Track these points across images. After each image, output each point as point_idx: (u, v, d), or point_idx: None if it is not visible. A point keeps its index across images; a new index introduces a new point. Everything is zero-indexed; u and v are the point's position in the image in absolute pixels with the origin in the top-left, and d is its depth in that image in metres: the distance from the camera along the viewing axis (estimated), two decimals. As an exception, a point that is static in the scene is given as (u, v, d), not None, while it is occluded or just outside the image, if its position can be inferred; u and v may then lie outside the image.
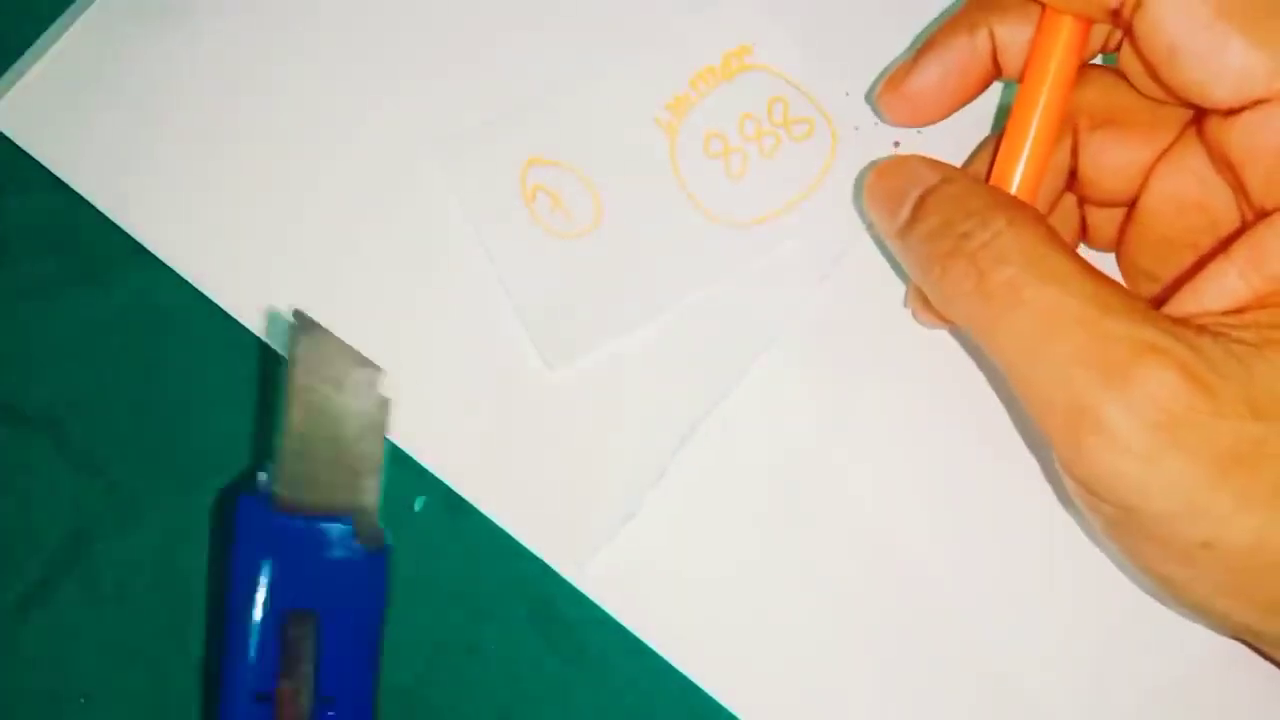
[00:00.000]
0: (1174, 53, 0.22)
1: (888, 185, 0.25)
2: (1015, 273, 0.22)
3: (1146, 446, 0.20)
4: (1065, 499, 0.27)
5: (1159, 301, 0.24)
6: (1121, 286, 0.22)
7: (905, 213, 0.24)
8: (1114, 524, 0.22)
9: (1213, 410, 0.20)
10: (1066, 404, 0.21)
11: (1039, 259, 0.22)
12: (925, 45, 0.26)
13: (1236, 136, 0.22)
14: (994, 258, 0.22)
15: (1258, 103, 0.22)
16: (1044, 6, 0.24)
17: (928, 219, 0.23)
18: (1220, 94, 0.22)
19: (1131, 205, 0.26)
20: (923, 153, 0.26)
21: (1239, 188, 0.23)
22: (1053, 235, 0.22)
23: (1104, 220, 0.27)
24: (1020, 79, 0.25)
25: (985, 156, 0.26)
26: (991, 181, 0.25)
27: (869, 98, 0.30)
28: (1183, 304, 0.23)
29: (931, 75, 0.26)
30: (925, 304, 0.27)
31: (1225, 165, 0.23)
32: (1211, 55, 0.22)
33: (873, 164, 0.26)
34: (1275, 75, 0.21)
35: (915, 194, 0.24)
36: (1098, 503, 0.22)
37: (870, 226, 0.29)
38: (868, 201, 0.26)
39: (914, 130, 0.30)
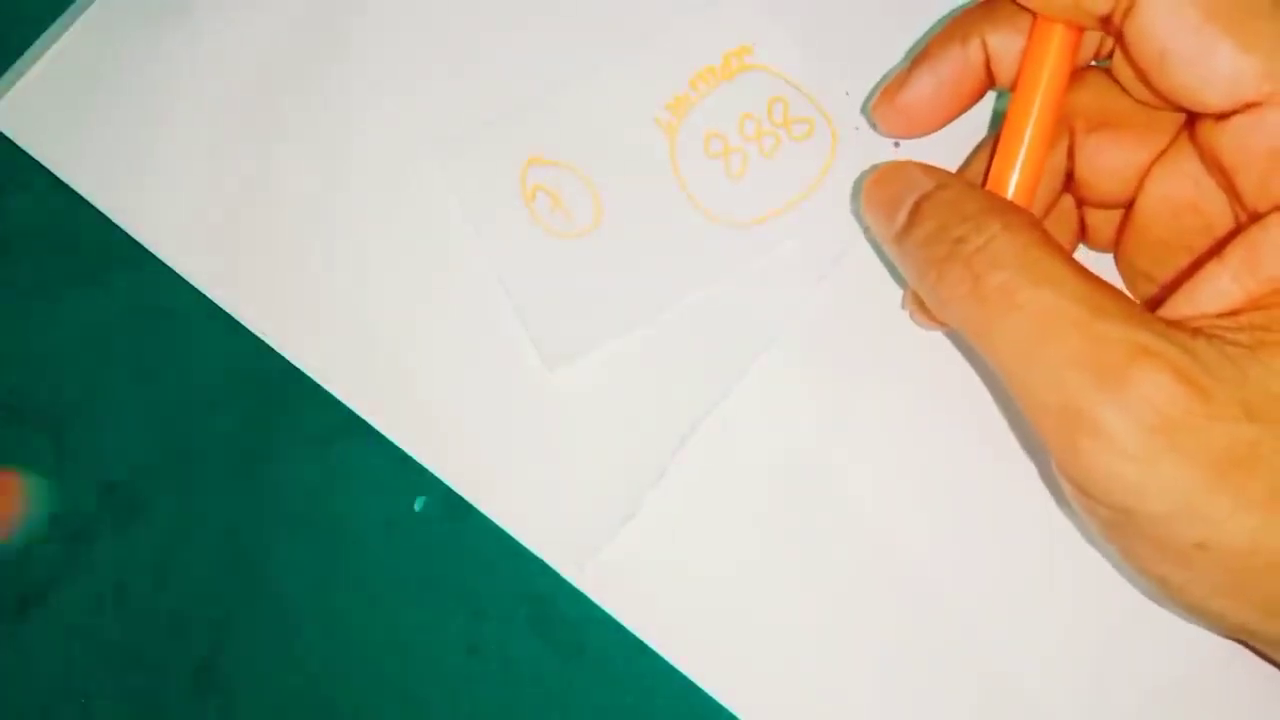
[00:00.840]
0: (1164, 58, 0.22)
1: (884, 191, 0.25)
2: (1009, 277, 0.22)
3: (1142, 449, 0.20)
4: (1062, 500, 0.27)
5: (1155, 303, 0.24)
6: (1116, 289, 0.22)
7: (901, 218, 0.24)
8: (1110, 526, 0.22)
9: (1207, 413, 0.20)
10: (1061, 407, 0.21)
11: (1033, 263, 0.22)
12: (918, 57, 0.26)
13: (1228, 140, 0.22)
14: (988, 262, 0.22)
15: (1248, 106, 0.22)
16: (1035, 15, 0.24)
17: (923, 224, 0.24)
18: (1211, 98, 0.22)
19: (1129, 207, 0.26)
20: (923, 155, 0.26)
21: (1232, 191, 0.23)
22: (1047, 239, 0.22)
23: (1103, 221, 0.27)
24: (1013, 86, 0.25)
25: (981, 160, 0.26)
26: (987, 186, 0.25)
27: (868, 99, 0.30)
28: (1177, 307, 0.23)
29: (925, 87, 0.26)
30: (922, 307, 0.27)
31: (1218, 168, 0.23)
32: (1201, 59, 0.22)
33: (871, 169, 0.26)
34: (1265, 78, 0.21)
35: (911, 200, 0.24)
36: (1094, 505, 0.22)
37: (867, 231, 0.29)
38: (865, 207, 0.26)
39: (914, 132, 0.30)
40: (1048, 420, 0.21)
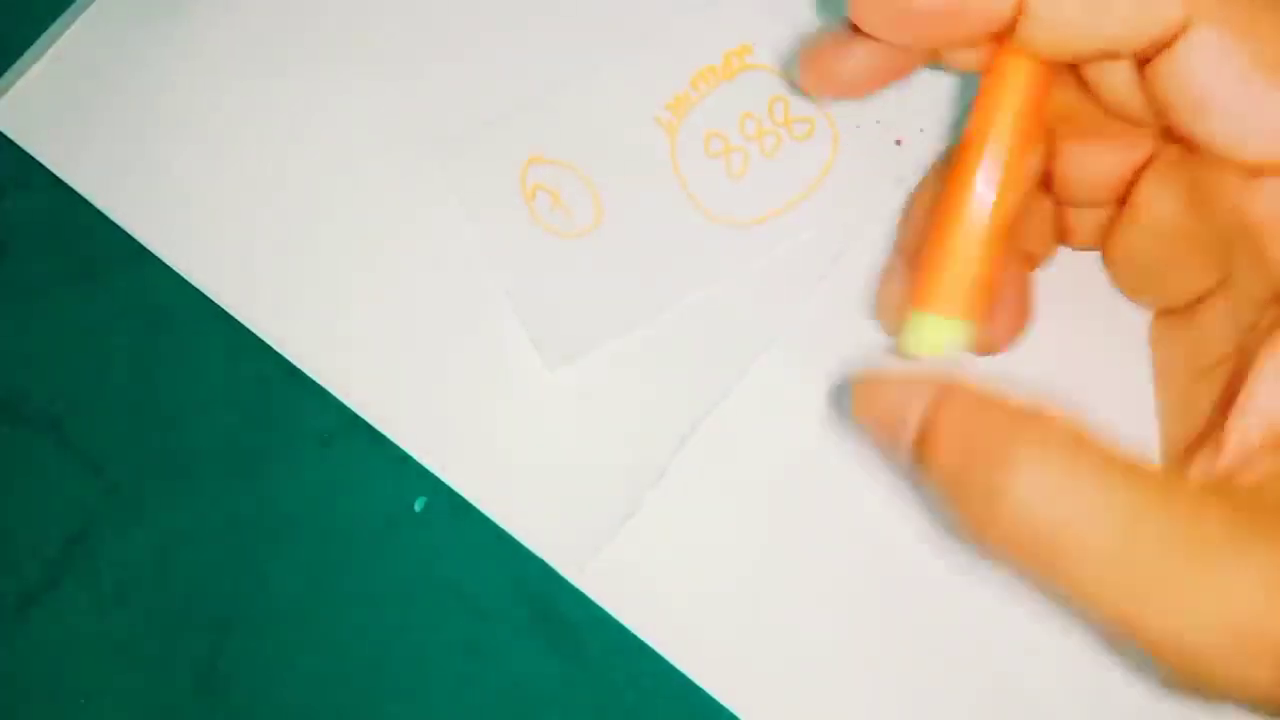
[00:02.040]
0: (1203, 105, 0.20)
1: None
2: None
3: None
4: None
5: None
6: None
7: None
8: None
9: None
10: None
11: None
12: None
13: (1261, 202, 0.21)
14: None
15: None
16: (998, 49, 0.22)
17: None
18: (1249, 154, 0.20)
19: (1112, 204, 0.25)
20: (922, 148, 0.26)
21: (1255, 251, 0.22)
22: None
23: (1083, 217, 0.26)
24: (969, 132, 0.23)
25: (937, 186, 0.25)
26: (925, 284, 0.23)
27: (868, 98, 0.30)
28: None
29: (863, 55, 0.24)
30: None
31: (1239, 228, 0.22)
32: (1245, 112, 0.20)
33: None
34: None
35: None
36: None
37: (866, 230, 0.29)
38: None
39: (916, 129, 0.29)
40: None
